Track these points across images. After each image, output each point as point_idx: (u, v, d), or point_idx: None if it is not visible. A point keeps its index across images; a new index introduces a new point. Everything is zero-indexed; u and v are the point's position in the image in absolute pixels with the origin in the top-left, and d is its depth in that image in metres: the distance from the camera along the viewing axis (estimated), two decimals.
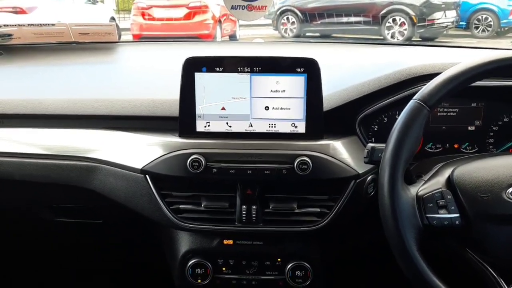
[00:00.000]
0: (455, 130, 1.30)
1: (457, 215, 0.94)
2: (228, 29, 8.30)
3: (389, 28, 8.13)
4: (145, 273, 1.73)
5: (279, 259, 1.24)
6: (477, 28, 9.04)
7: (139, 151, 1.19)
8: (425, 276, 0.90)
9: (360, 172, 1.15)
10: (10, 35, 1.56)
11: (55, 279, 1.80)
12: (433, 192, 0.96)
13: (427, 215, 0.94)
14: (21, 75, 1.44)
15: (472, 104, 1.29)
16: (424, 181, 1.00)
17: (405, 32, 8.01)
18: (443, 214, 0.94)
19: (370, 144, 1.04)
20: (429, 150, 1.31)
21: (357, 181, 1.16)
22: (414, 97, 0.96)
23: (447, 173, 0.99)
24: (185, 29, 7.78)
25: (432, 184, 0.98)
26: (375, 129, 1.29)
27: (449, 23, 8.45)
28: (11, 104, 1.26)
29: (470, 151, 1.31)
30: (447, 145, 1.31)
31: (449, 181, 0.97)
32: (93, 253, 1.65)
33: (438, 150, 1.31)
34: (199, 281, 1.23)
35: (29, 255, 1.70)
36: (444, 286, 0.90)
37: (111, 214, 1.34)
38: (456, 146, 1.31)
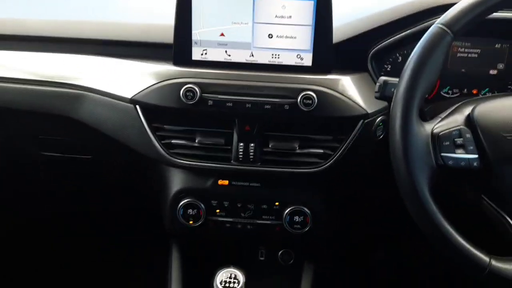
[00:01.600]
0: (475, 73, 1.19)
1: (476, 156, 0.85)
2: None
3: None
4: (135, 217, 1.67)
5: (277, 203, 1.16)
6: None
7: (129, 79, 1.09)
8: (435, 219, 0.82)
9: (369, 111, 1.06)
10: None
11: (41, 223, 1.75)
12: (450, 130, 0.86)
13: (443, 154, 0.84)
14: None
15: (496, 45, 1.17)
16: (441, 119, 0.90)
17: None
18: (460, 154, 0.85)
19: (383, 78, 0.93)
20: (445, 95, 1.21)
21: (366, 121, 1.06)
22: (437, 22, 0.85)
23: (467, 110, 0.89)
24: None
25: (450, 121, 0.88)
26: (388, 69, 1.18)
27: None
28: None
29: None
30: (465, 90, 1.21)
31: (469, 119, 0.87)
32: (79, 196, 1.58)
33: (455, 95, 1.21)
34: (191, 222, 1.16)
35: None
36: (455, 232, 0.82)
37: (100, 148, 1.26)
38: (475, 91, 1.20)
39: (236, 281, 0.95)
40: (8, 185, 1.51)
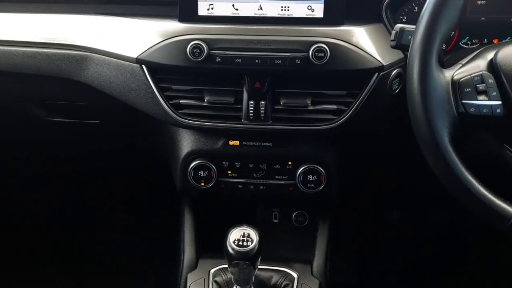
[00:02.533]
0: (496, 22, 1.13)
1: (499, 102, 0.81)
2: None
3: None
4: (146, 179, 1.66)
5: (289, 162, 1.13)
6: None
7: (134, 38, 1.06)
8: (455, 170, 0.78)
9: (385, 64, 1.01)
10: None
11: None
12: (472, 76, 0.81)
13: (463, 101, 0.80)
14: None
15: None
16: (461, 65, 0.85)
17: None
18: (482, 101, 0.81)
19: (399, 25, 0.89)
20: (464, 46, 1.15)
21: (381, 74, 1.01)
22: None
23: (489, 55, 0.84)
24: None
25: (472, 67, 0.84)
26: (404, 20, 1.12)
27: None
28: None
29: None
30: (485, 40, 1.15)
31: (492, 64, 0.83)
32: (89, 160, 1.57)
33: (474, 46, 1.15)
34: (202, 184, 1.14)
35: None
36: (477, 182, 0.79)
37: (108, 112, 1.24)
38: (495, 41, 1.14)
39: (250, 239, 0.93)
40: (15, 151, 1.50)
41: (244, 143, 1.12)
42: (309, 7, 1.02)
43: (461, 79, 0.81)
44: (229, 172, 1.14)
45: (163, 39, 1.02)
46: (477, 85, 0.81)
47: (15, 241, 1.77)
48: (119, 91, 1.09)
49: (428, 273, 1.71)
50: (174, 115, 1.06)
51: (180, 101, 1.06)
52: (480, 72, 0.82)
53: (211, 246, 1.12)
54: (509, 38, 1.14)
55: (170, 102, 1.06)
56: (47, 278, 1.71)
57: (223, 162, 1.13)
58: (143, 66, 1.04)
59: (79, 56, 1.09)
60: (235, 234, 0.94)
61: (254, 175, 1.14)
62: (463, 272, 1.70)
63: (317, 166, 1.11)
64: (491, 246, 1.68)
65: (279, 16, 1.03)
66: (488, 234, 1.53)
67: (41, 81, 1.14)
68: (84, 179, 1.72)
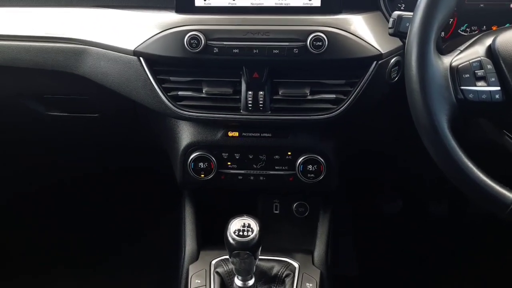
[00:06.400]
0: (495, 8, 1.12)
1: (498, 88, 0.80)
2: None
3: None
4: (146, 173, 1.67)
5: (289, 152, 1.13)
6: None
7: (131, 30, 1.05)
8: (454, 156, 0.78)
9: (383, 52, 1.01)
10: None
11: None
12: (470, 62, 0.81)
13: (462, 87, 0.80)
14: None
15: None
16: (460, 51, 0.85)
17: None
18: (481, 87, 0.80)
19: (397, 12, 0.89)
20: (463, 33, 1.15)
21: (379, 62, 1.01)
22: None
23: (488, 41, 0.84)
24: None
25: (470, 53, 0.83)
26: (402, 8, 1.12)
27: None
28: None
29: None
30: (484, 27, 1.14)
31: (490, 50, 0.82)
32: (90, 154, 1.57)
33: (473, 33, 1.15)
34: (202, 176, 1.14)
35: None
36: (476, 168, 0.78)
37: (107, 106, 1.23)
38: (494, 28, 1.14)
39: (250, 229, 0.93)
40: (15, 147, 1.50)
41: (243, 134, 1.12)
42: None
43: (460, 65, 0.81)
44: (229, 163, 1.14)
45: (160, 31, 1.02)
46: (476, 71, 0.80)
47: (13, 239, 1.78)
48: (117, 84, 1.09)
49: (428, 264, 1.72)
50: (172, 107, 1.05)
51: (179, 93, 1.06)
52: (479, 58, 0.81)
53: (212, 238, 1.12)
54: (508, 24, 1.13)
55: (169, 94, 1.05)
56: (48, 272, 1.72)
57: (223, 154, 1.13)
58: (141, 58, 1.03)
59: (76, 49, 1.09)
60: (235, 224, 0.94)
61: (254, 166, 1.14)
62: (463, 263, 1.70)
63: (316, 156, 1.11)
64: (491, 239, 1.69)
65: (276, 5, 1.03)
66: (488, 226, 1.54)
67: (38, 75, 1.14)
68: (84, 175, 1.72)
